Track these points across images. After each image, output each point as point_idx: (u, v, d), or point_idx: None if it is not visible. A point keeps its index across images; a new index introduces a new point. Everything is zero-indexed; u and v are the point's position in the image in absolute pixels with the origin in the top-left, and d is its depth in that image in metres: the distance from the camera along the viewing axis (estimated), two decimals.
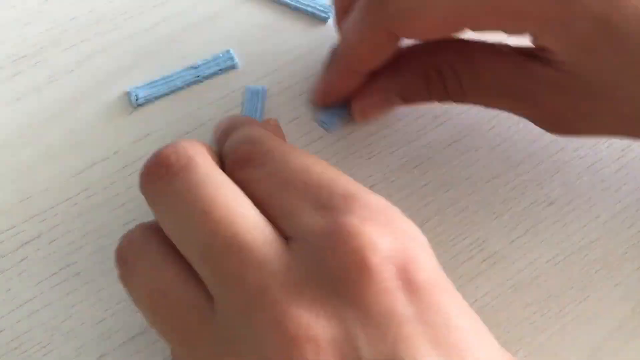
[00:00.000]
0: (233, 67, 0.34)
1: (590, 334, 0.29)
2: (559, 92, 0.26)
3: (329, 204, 0.20)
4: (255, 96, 0.33)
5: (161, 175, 0.21)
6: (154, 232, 0.23)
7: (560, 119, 0.28)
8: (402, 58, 0.30)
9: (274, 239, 0.20)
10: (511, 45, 0.28)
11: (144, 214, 0.30)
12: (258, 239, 0.19)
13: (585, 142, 0.33)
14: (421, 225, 0.28)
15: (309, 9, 0.35)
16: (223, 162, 0.23)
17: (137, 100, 0.33)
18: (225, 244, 0.19)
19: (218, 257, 0.19)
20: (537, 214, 0.31)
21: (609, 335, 0.29)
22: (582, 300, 0.30)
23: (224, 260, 0.19)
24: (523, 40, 0.26)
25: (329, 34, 0.35)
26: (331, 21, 0.35)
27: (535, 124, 0.29)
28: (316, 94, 0.32)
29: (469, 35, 0.27)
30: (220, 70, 0.34)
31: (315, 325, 0.17)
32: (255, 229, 0.20)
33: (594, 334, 0.29)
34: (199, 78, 0.33)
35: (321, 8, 0.35)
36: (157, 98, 0.33)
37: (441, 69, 0.29)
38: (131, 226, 0.30)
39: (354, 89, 0.30)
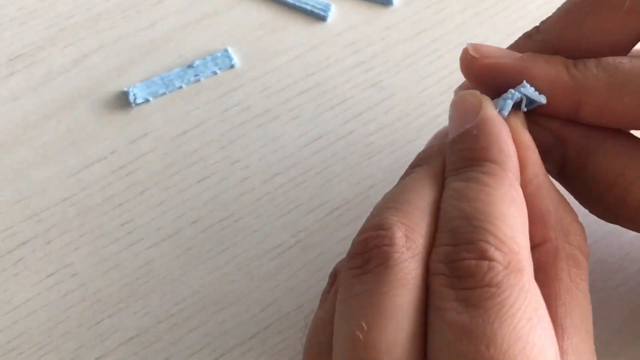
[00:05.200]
0: (231, 66, 0.34)
1: None
2: None
3: None
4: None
5: (355, 266, 0.19)
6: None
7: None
8: None
9: None
10: None
11: (143, 214, 0.30)
12: None
13: None
14: None
15: (308, 7, 0.35)
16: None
17: (134, 99, 0.32)
18: None
19: None
20: None
21: (610, 337, 0.29)
22: None
23: None
24: None
25: (328, 33, 0.35)
26: (330, 19, 0.35)
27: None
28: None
29: None
30: (218, 69, 0.33)
31: None
32: None
33: (595, 335, 0.29)
34: (197, 77, 0.33)
35: (320, 6, 0.35)
36: (155, 97, 0.33)
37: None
38: (129, 227, 0.30)
39: None
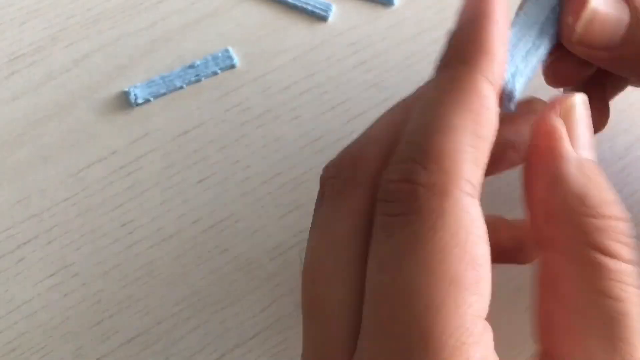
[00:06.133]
0: (232, 66, 0.33)
1: None
2: None
3: None
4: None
5: (317, 199, 0.20)
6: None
7: None
8: None
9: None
10: None
11: (143, 214, 0.30)
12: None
13: None
14: None
15: (309, 7, 0.35)
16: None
17: (135, 99, 0.32)
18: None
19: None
20: None
21: None
22: None
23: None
24: None
25: (328, 33, 0.35)
26: (331, 20, 0.35)
27: None
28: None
29: None
30: (219, 69, 0.33)
31: None
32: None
33: None
34: (198, 77, 0.33)
35: (321, 6, 0.35)
36: (155, 97, 0.33)
37: None
38: (130, 227, 0.30)
39: None
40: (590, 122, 0.19)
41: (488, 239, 0.17)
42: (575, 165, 0.18)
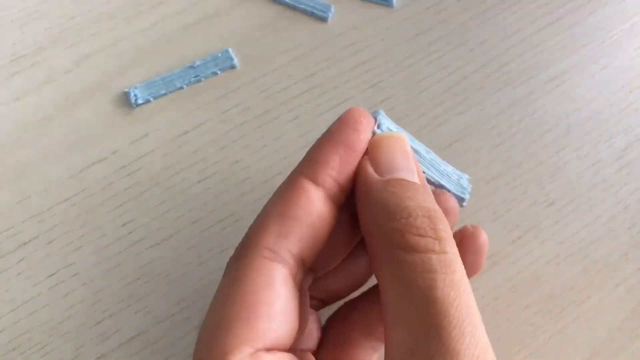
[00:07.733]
0: (232, 66, 0.34)
1: (591, 335, 0.29)
2: None
3: None
4: None
5: None
6: None
7: None
8: None
9: None
10: None
11: (143, 214, 0.30)
12: None
13: (586, 142, 0.32)
14: None
15: (308, 8, 0.35)
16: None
17: (136, 100, 0.32)
18: None
19: None
20: (538, 214, 0.31)
21: (610, 335, 0.29)
22: (583, 301, 0.29)
23: None
24: None
25: (328, 33, 0.35)
26: (330, 20, 0.35)
27: None
28: None
29: None
30: (219, 69, 0.33)
31: None
32: None
33: (595, 334, 0.29)
34: (197, 78, 0.33)
35: (320, 7, 0.35)
36: (156, 98, 0.33)
37: None
38: (130, 227, 0.30)
39: None
40: (401, 149, 0.22)
41: (283, 289, 0.21)
42: (376, 185, 0.21)
